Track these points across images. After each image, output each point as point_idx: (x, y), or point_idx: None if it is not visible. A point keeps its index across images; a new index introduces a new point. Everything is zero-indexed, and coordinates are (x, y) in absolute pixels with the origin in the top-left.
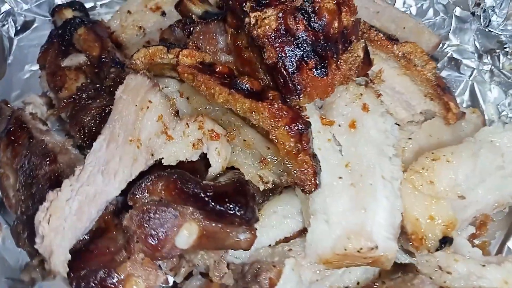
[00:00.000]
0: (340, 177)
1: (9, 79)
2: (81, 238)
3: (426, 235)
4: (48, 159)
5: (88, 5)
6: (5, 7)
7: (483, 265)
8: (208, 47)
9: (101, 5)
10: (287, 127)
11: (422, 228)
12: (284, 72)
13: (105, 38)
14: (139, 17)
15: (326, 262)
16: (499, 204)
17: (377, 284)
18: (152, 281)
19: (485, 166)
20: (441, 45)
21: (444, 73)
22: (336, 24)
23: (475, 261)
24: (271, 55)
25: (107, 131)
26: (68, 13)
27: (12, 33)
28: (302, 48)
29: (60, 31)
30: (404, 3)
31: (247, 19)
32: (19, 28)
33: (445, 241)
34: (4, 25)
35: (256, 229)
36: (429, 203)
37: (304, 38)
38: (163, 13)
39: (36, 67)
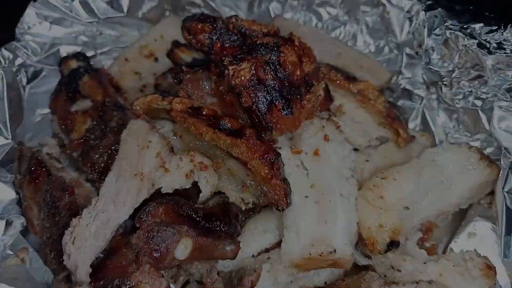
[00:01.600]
0: (307, 196)
1: (23, 123)
2: (98, 256)
3: (376, 240)
4: (67, 192)
5: (89, 54)
6: (19, 60)
7: (425, 263)
8: (196, 92)
9: (101, 53)
10: (261, 158)
11: (373, 234)
12: (258, 113)
13: (107, 84)
14: (135, 63)
15: (297, 266)
16: (441, 213)
17: (338, 281)
18: (157, 286)
19: (428, 181)
20: (396, 77)
21: (399, 102)
22: (298, 72)
23: (419, 260)
24: (247, 99)
25: (116, 167)
26: (73, 63)
27: (24, 82)
28: (271, 94)
29: (67, 80)
30: (364, 41)
31: (226, 71)
32: (30, 77)
33: (392, 244)
34: (17, 75)
35: (240, 241)
36: (379, 214)
37: (272, 85)
38: (156, 59)
39: (46, 111)
